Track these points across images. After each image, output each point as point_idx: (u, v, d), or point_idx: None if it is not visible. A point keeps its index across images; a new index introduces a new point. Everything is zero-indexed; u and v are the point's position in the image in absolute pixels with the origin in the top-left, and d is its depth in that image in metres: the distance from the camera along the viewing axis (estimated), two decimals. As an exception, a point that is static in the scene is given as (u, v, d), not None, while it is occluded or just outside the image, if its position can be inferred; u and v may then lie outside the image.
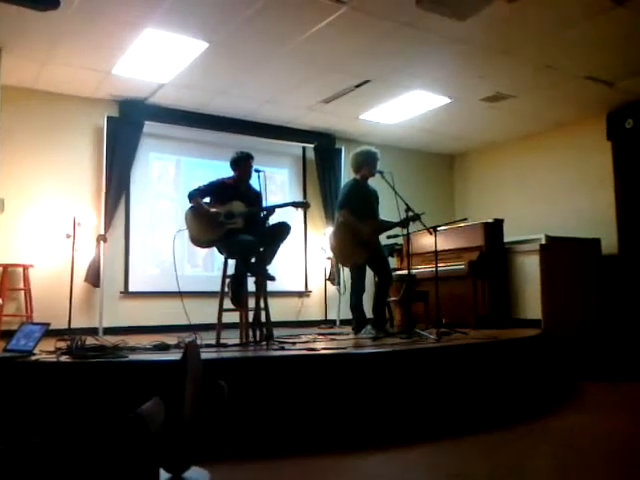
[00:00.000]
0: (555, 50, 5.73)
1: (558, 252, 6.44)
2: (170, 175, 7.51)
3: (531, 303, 6.38)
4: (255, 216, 4.81)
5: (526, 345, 4.94)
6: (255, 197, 4.85)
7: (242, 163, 4.81)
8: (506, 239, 6.75)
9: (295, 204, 5.03)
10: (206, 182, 4.79)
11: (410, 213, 5.08)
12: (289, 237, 4.70)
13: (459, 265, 6.50)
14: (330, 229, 7.98)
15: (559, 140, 8.28)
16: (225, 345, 4.27)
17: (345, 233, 5.21)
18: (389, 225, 5.39)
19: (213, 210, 4.60)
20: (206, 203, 4.68)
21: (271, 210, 4.79)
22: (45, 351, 3.62)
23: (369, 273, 5.42)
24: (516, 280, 6.63)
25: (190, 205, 4.65)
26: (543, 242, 6.43)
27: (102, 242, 6.74)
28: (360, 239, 5.16)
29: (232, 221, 4.58)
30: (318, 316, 8.13)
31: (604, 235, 7.16)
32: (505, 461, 3.05)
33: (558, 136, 8.29)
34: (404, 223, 5.19)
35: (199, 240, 4.65)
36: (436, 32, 5.32)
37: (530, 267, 6.46)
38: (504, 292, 6.59)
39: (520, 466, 2.97)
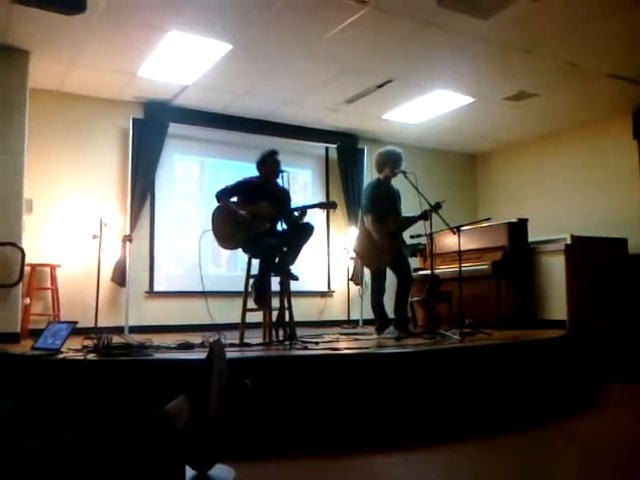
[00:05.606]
0: (579, 48, 5.66)
1: (584, 252, 6.33)
2: (194, 176, 7.57)
3: (556, 304, 6.31)
4: (281, 218, 4.82)
5: (550, 346, 4.90)
6: (283, 195, 4.86)
7: (268, 159, 4.79)
8: (530, 239, 6.69)
9: (323, 205, 5.07)
10: (233, 182, 4.79)
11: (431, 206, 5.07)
12: (312, 238, 4.73)
13: (483, 265, 6.46)
14: (353, 229, 8.05)
15: (584, 139, 8.16)
16: (249, 344, 4.30)
17: (369, 238, 5.22)
18: (411, 220, 5.37)
19: (241, 212, 4.59)
20: (233, 203, 4.69)
21: (304, 211, 4.78)
22: (72, 349, 3.70)
23: (390, 274, 5.42)
24: (541, 280, 6.57)
25: (217, 205, 4.66)
26: (568, 242, 6.34)
27: (128, 242, 6.82)
28: (381, 245, 5.19)
29: (258, 223, 4.60)
30: (341, 316, 8.13)
31: (631, 235, 7.04)
32: (527, 463, 3.03)
33: (583, 135, 8.17)
34: (425, 215, 5.18)
35: (224, 242, 4.67)
36: (459, 31, 5.29)
37: (555, 267, 6.38)
38: (528, 292, 6.52)
39: (542, 468, 2.95)
